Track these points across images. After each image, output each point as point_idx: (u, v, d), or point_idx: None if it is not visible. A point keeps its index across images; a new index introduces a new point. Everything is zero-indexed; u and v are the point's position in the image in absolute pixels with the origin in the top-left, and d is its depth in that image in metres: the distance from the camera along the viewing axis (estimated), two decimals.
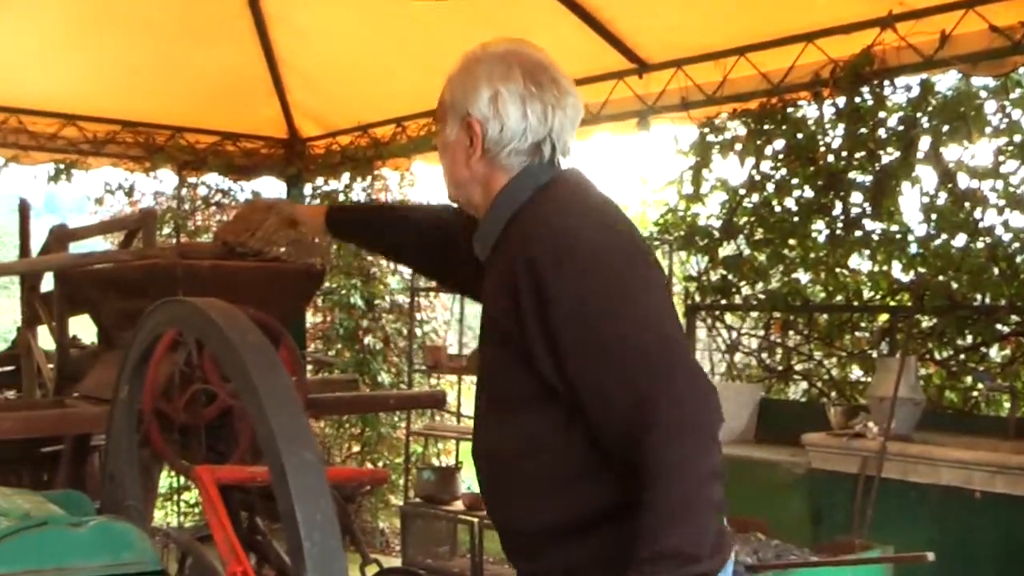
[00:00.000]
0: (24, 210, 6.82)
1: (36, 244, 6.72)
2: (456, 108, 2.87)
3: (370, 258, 10.99)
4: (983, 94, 6.73)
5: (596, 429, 2.54)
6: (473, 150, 2.85)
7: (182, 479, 8.63)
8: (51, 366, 6.34)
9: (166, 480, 8.68)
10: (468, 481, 9.73)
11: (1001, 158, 6.66)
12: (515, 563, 2.86)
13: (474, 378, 9.41)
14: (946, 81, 6.89)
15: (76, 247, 6.28)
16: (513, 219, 2.80)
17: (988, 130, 6.70)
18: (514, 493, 2.77)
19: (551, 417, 2.65)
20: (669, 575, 2.32)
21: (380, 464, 10.79)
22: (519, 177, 2.84)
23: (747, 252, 7.76)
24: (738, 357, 8.05)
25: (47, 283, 6.38)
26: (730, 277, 7.85)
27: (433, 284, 10.11)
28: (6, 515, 2.91)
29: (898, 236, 6.96)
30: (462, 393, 10.64)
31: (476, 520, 8.54)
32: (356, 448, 11.05)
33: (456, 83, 2.89)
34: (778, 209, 7.55)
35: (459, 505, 8.93)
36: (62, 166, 9.95)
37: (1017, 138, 6.61)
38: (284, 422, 2.47)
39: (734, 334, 8.06)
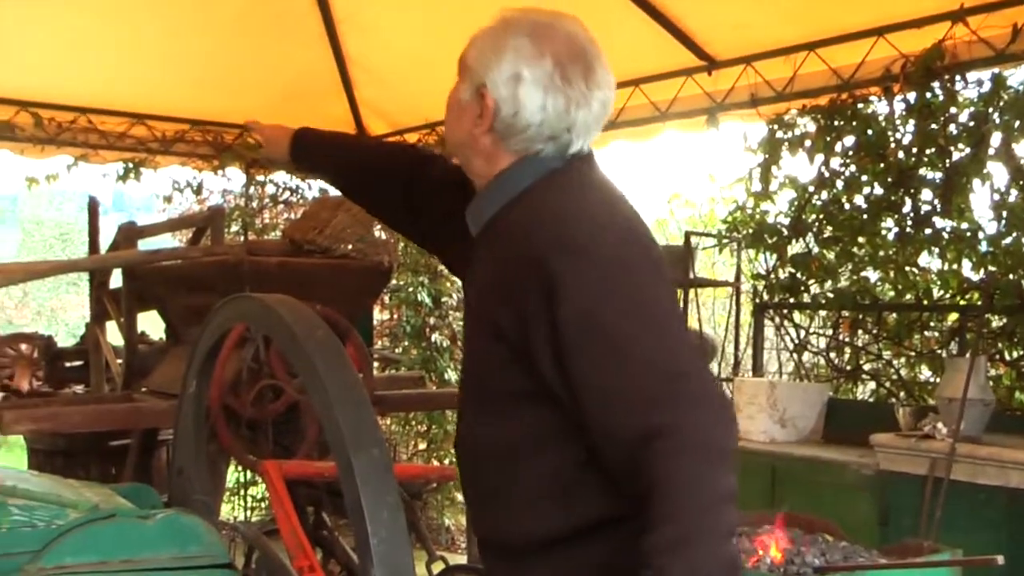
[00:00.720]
0: (93, 208, 6.88)
1: (105, 241, 6.78)
2: (473, 74, 2.67)
3: None
4: None
5: (597, 436, 2.36)
6: (482, 122, 2.65)
7: (248, 473, 8.71)
8: (119, 361, 6.40)
9: (232, 475, 8.72)
10: None
11: None
12: (493, 573, 2.70)
13: None
14: (1018, 75, 6.82)
15: (144, 244, 6.32)
16: (514, 203, 2.63)
17: None
18: (499, 498, 2.57)
19: (544, 420, 2.48)
20: None
21: (446, 461, 10.79)
22: (527, 161, 2.66)
23: (816, 250, 7.68)
24: (806, 356, 7.97)
25: (116, 280, 6.44)
26: (798, 275, 7.78)
27: None
28: (75, 507, 2.93)
29: (968, 234, 6.87)
30: None
31: None
32: (422, 445, 11.06)
33: (481, 46, 2.69)
34: (847, 207, 7.47)
35: None
36: (131, 165, 10.03)
37: None
38: (352, 419, 2.47)
39: (802, 333, 7.99)
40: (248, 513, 10.15)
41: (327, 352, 2.63)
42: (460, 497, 10.31)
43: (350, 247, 5.38)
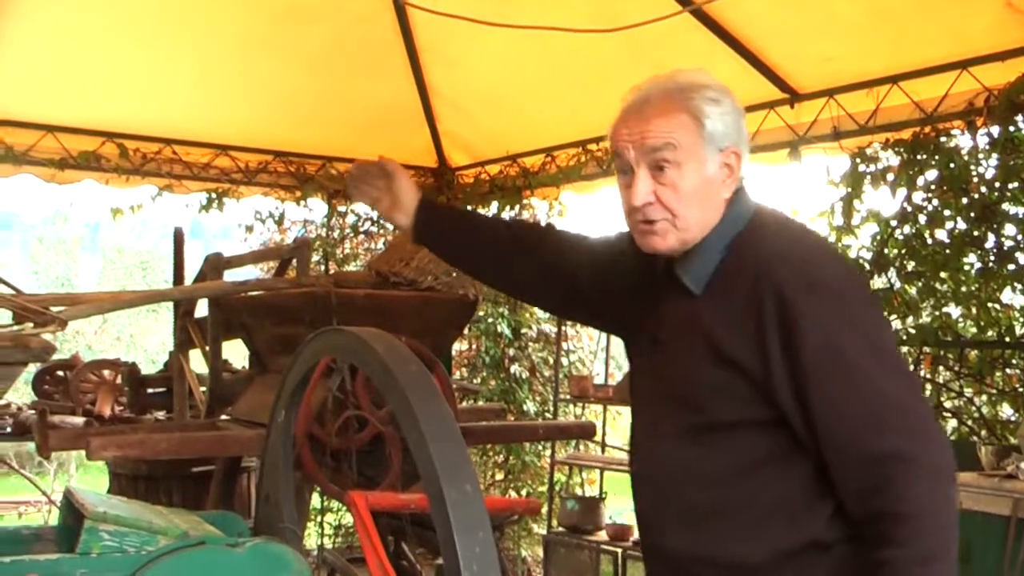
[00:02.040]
0: (179, 238, 6.96)
1: (188, 270, 6.86)
2: (717, 139, 2.77)
3: None
4: None
5: (832, 460, 2.57)
6: (732, 182, 2.82)
7: (326, 500, 8.74)
8: (202, 389, 6.46)
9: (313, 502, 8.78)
10: (611, 511, 9.71)
11: None
12: None
13: (621, 408, 9.30)
14: None
15: (230, 274, 6.39)
16: (733, 247, 2.79)
17: None
18: (724, 518, 2.72)
19: (772, 444, 2.68)
20: None
21: (524, 492, 10.81)
22: (737, 205, 2.84)
23: (898, 285, 7.63)
24: None
25: (201, 309, 6.51)
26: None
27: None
28: (165, 534, 2.97)
29: None
30: (607, 423, 10.62)
31: (620, 551, 8.54)
32: (500, 476, 11.07)
33: (713, 110, 2.77)
34: (930, 241, 7.42)
35: (603, 535, 8.92)
36: (214, 195, 10.12)
37: None
38: (445, 453, 2.49)
39: None
40: (326, 539, 10.20)
41: (420, 387, 2.67)
42: (537, 529, 10.32)
43: (436, 279, 5.41)
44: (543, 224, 3.38)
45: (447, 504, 2.40)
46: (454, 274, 5.35)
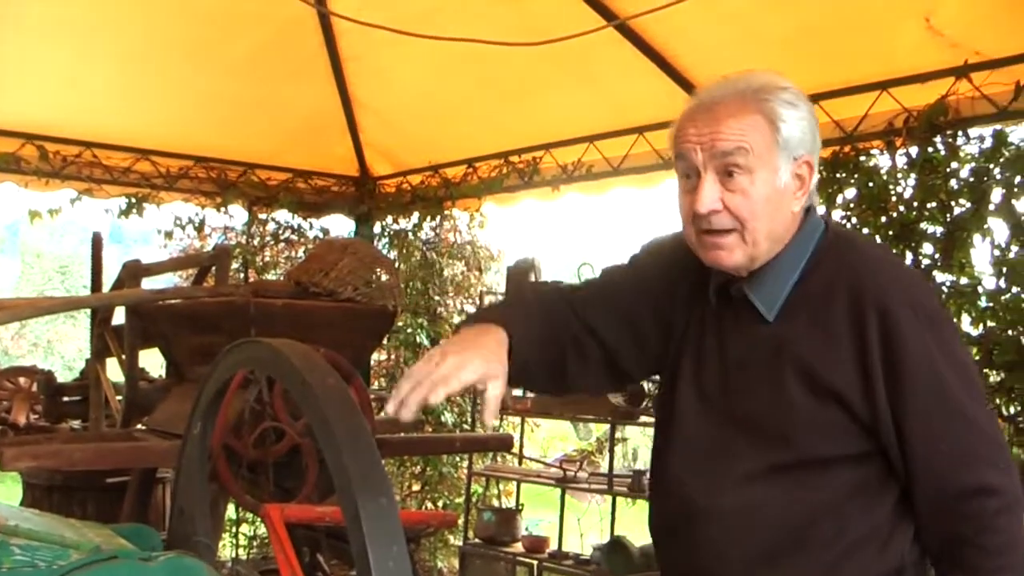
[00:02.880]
0: (97, 244, 6.90)
1: (107, 276, 6.80)
2: (792, 146, 2.64)
3: (436, 296, 11.03)
4: None
5: (923, 489, 2.58)
6: (803, 193, 2.69)
7: (241, 511, 8.69)
8: (119, 398, 6.40)
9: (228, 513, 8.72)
10: (527, 523, 9.73)
11: None
12: None
13: (539, 420, 9.29)
14: (1020, 132, 6.85)
15: (148, 282, 6.34)
16: (812, 267, 2.69)
17: None
18: (797, 558, 2.63)
19: (862, 477, 2.63)
20: None
21: (440, 504, 10.79)
22: (809, 221, 2.75)
23: None
24: None
25: (118, 316, 6.45)
26: None
27: None
28: (77, 548, 2.93)
29: (968, 289, 6.88)
30: (525, 435, 10.63)
31: (535, 562, 8.56)
32: (417, 487, 11.04)
33: (790, 115, 2.65)
34: None
35: (519, 547, 8.93)
36: (134, 200, 10.02)
37: None
38: (360, 465, 2.48)
39: None
40: (240, 551, 10.14)
41: (336, 399, 2.66)
42: (453, 540, 10.31)
43: (355, 290, 5.40)
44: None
45: (361, 516, 2.39)
46: (373, 285, 5.35)
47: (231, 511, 9.17)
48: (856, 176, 7.35)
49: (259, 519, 9.50)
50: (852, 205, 7.40)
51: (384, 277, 5.49)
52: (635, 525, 9.22)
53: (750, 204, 2.61)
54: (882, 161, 7.28)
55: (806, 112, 2.69)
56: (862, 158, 7.32)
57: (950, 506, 2.53)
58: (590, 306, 2.97)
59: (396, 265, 10.82)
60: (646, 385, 8.42)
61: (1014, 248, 6.71)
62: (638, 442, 16.21)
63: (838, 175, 7.42)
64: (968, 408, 2.55)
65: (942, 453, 2.53)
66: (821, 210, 2.76)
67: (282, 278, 8.49)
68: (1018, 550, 2.52)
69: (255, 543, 10.45)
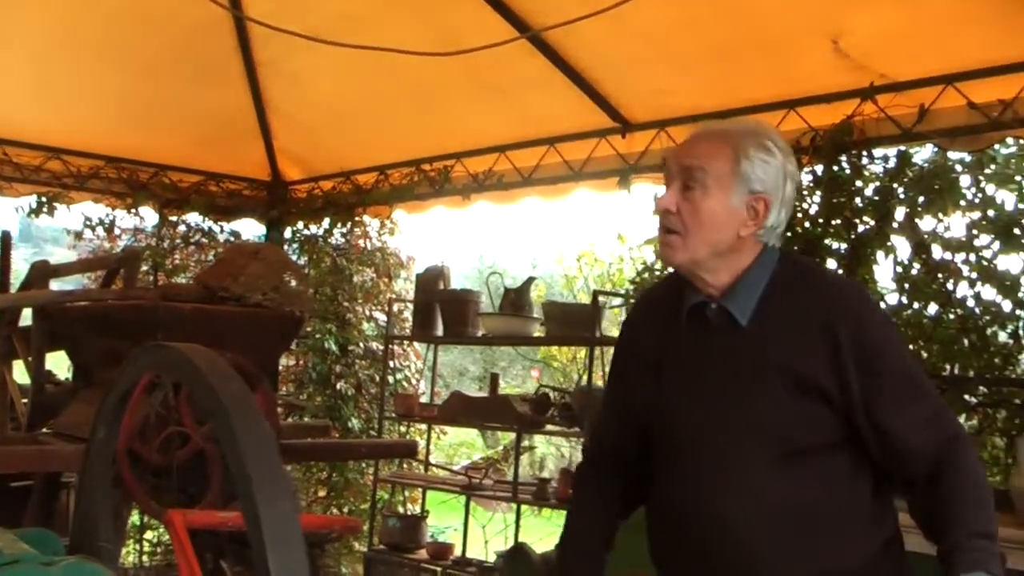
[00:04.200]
0: (5, 243, 6.83)
1: (14, 276, 6.73)
2: (750, 182, 3.01)
3: (346, 303, 11.03)
4: (959, 168, 6.81)
5: (907, 458, 2.96)
6: (753, 225, 3.04)
7: (146, 517, 8.63)
8: (24, 400, 6.34)
9: (131, 519, 8.65)
10: (432, 529, 9.75)
11: (975, 231, 6.74)
12: None
13: (446, 427, 9.32)
14: (923, 154, 6.98)
15: (57, 283, 6.29)
16: (775, 283, 3.05)
17: (963, 203, 6.78)
18: (822, 535, 2.97)
19: (842, 464, 3.00)
20: (989, 552, 2.75)
21: (346, 510, 10.76)
22: (766, 251, 3.09)
23: None
24: None
25: (25, 318, 6.39)
26: None
27: (407, 332, 10.16)
28: None
29: None
30: (431, 442, 10.64)
31: (439, 569, 8.57)
32: (323, 493, 11.02)
33: (757, 156, 3.03)
34: None
35: (423, 554, 8.95)
36: (44, 199, 9.92)
37: (991, 212, 6.69)
38: (261, 471, 2.50)
39: None
40: (144, 558, 10.06)
41: (239, 404, 2.68)
42: (358, 546, 10.30)
43: (264, 295, 5.40)
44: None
45: (261, 521, 2.41)
46: (281, 290, 5.35)
47: (137, 517, 9.10)
48: None
49: (163, 525, 9.44)
50: None
51: (293, 283, 5.50)
52: (540, 533, 9.27)
53: (695, 213, 3.01)
54: None
55: (778, 162, 3.05)
56: None
57: (930, 462, 2.92)
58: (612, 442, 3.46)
59: (306, 271, 10.82)
60: (551, 394, 8.49)
61: (916, 265, 6.84)
62: (545, 451, 16.24)
63: None
64: (928, 389, 3.04)
65: (921, 425, 2.95)
66: None
67: (192, 282, 8.45)
68: (985, 484, 2.95)
69: (160, 550, 10.38)
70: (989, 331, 6.66)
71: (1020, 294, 6.62)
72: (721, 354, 3.06)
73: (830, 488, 2.97)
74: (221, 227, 11.17)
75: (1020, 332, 6.61)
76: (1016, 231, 6.61)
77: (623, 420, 3.37)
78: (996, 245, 6.69)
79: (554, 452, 15.92)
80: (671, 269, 3.27)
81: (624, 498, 3.42)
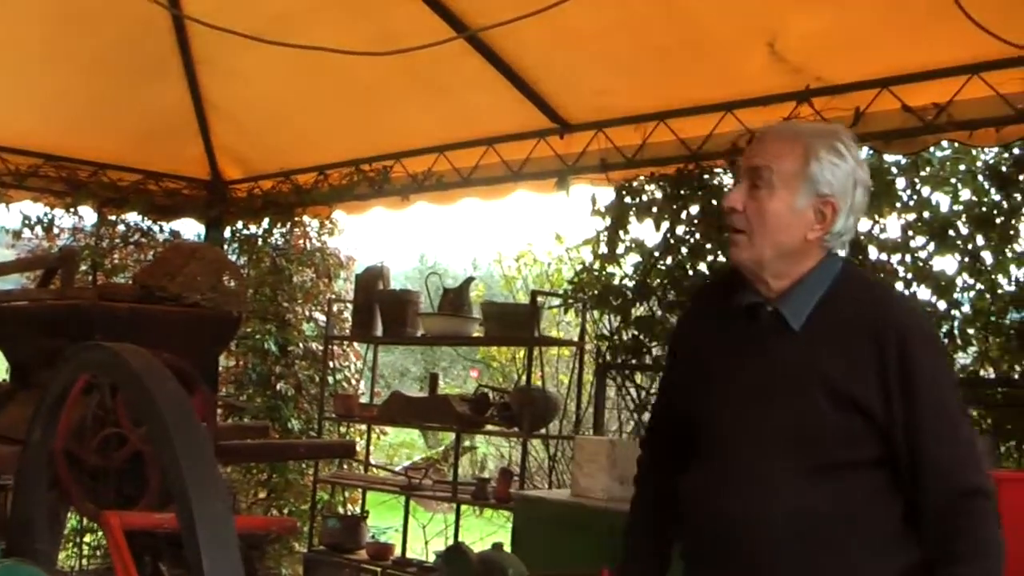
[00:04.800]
0: None
1: None
2: (818, 184, 2.99)
3: (286, 303, 11.00)
4: (894, 170, 6.89)
5: (929, 490, 2.90)
6: (820, 229, 3.03)
7: (85, 520, 8.57)
8: None
9: (68, 521, 8.61)
10: (373, 530, 9.75)
11: (910, 233, 6.81)
12: None
13: (385, 428, 9.32)
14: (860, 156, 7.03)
15: None
16: (833, 292, 3.04)
17: (898, 205, 6.85)
18: (847, 552, 2.94)
19: (876, 483, 2.97)
20: None
21: (286, 511, 10.71)
22: (830, 258, 3.09)
23: (659, 313, 7.83)
24: (646, 416, 8.06)
25: None
26: (642, 337, 7.92)
27: (347, 332, 10.15)
28: None
29: None
30: (371, 442, 10.63)
31: (379, 569, 8.57)
32: (263, 494, 10.98)
33: (827, 158, 3.00)
34: (691, 273, 7.63)
35: (363, 554, 8.95)
36: None
37: (926, 214, 6.77)
38: (196, 472, 2.51)
39: (643, 394, 8.09)
40: (83, 561, 10.01)
41: (175, 406, 2.68)
42: (298, 547, 10.28)
43: (201, 295, 5.39)
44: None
45: (196, 522, 2.42)
46: (219, 290, 5.35)
47: (76, 520, 9.06)
48: (700, 193, 7.51)
49: (100, 527, 9.39)
50: (696, 221, 7.55)
51: (230, 282, 5.49)
52: (480, 533, 9.29)
53: (761, 213, 3.00)
54: (726, 179, 7.45)
55: (848, 166, 3.02)
56: (706, 176, 7.49)
57: (956, 503, 2.87)
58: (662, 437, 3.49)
59: (246, 271, 10.78)
60: (491, 394, 8.51)
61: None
62: (486, 451, 16.24)
63: (682, 191, 7.58)
64: (960, 422, 2.99)
65: (947, 456, 2.90)
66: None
67: (130, 282, 8.41)
68: (1000, 547, 2.86)
69: (99, 553, 10.33)
70: None
71: (955, 294, 6.70)
72: (768, 356, 3.05)
73: (853, 506, 2.94)
74: (161, 227, 11.10)
75: (955, 332, 6.68)
76: (951, 232, 6.69)
77: (670, 408, 3.42)
78: (931, 246, 6.77)
79: (494, 452, 15.91)
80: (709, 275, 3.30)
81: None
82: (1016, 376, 6.57)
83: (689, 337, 3.37)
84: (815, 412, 2.93)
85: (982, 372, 6.74)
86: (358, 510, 10.02)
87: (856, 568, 2.93)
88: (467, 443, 14.95)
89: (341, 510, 10.45)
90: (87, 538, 10.10)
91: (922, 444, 2.89)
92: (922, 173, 6.86)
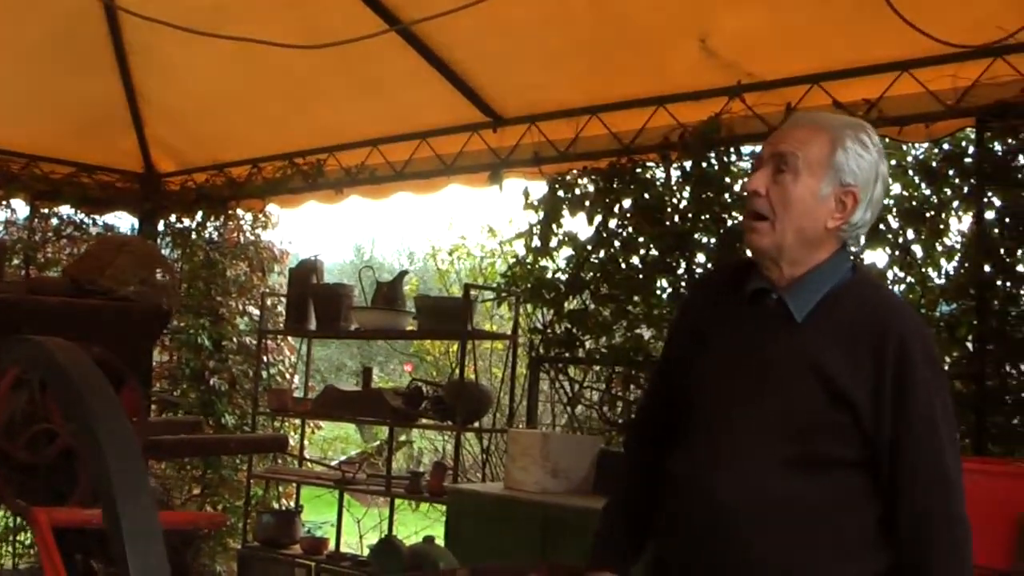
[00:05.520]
0: None
1: None
2: (842, 173, 3.00)
3: (219, 298, 10.95)
4: None
5: (903, 504, 2.92)
6: (839, 218, 3.01)
7: (19, 519, 8.51)
8: None
9: (0, 520, 8.56)
10: (308, 525, 9.73)
11: None
12: None
13: (319, 423, 9.28)
14: None
15: None
16: (841, 288, 3.04)
17: None
18: (819, 547, 2.94)
19: (858, 484, 2.96)
20: None
21: (220, 507, 10.66)
22: (843, 252, 3.09)
23: (592, 307, 7.86)
24: (579, 409, 8.09)
25: None
26: (575, 331, 7.94)
27: (281, 326, 10.11)
28: None
29: None
30: (305, 437, 10.59)
31: (313, 564, 8.56)
32: (197, 491, 10.91)
33: (853, 148, 3.01)
34: (624, 266, 7.66)
35: (297, 549, 8.93)
36: None
37: None
38: (120, 467, 2.50)
39: (576, 387, 8.11)
40: (17, 560, 9.93)
41: (100, 400, 2.67)
42: (233, 543, 10.25)
43: (132, 289, 5.35)
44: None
45: (120, 517, 2.42)
46: (149, 283, 5.31)
47: (10, 519, 8.98)
48: (633, 187, 7.54)
49: (28, 524, 9.29)
50: (629, 214, 7.58)
51: (161, 276, 5.46)
52: (415, 527, 9.30)
53: (785, 198, 3.00)
54: (658, 173, 7.49)
55: (873, 157, 3.04)
56: (639, 170, 7.52)
57: (931, 529, 2.90)
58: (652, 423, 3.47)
59: (179, 265, 10.73)
60: (424, 387, 8.51)
61: None
62: (421, 445, 16.24)
63: (615, 185, 7.61)
64: (945, 448, 2.95)
65: (928, 473, 2.91)
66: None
67: (60, 275, 8.35)
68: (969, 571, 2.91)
69: (33, 551, 10.25)
70: None
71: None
72: (768, 344, 3.05)
73: (834, 503, 2.95)
74: (94, 220, 11.02)
75: None
76: (881, 227, 6.74)
77: (663, 389, 3.40)
78: (862, 240, 6.81)
79: (429, 446, 15.91)
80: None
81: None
82: (946, 368, 6.65)
83: (690, 321, 3.36)
84: (807, 403, 2.95)
85: None
86: (293, 505, 10.00)
87: (828, 567, 2.95)
88: (403, 437, 14.94)
89: (276, 505, 10.42)
90: (21, 536, 10.02)
91: (903, 461, 2.91)
92: None
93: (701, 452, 3.07)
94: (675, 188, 7.40)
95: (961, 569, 2.89)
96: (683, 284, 7.36)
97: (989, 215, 6.31)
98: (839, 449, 2.94)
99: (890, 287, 3.42)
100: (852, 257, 3.16)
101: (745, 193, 3.10)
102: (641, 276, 7.57)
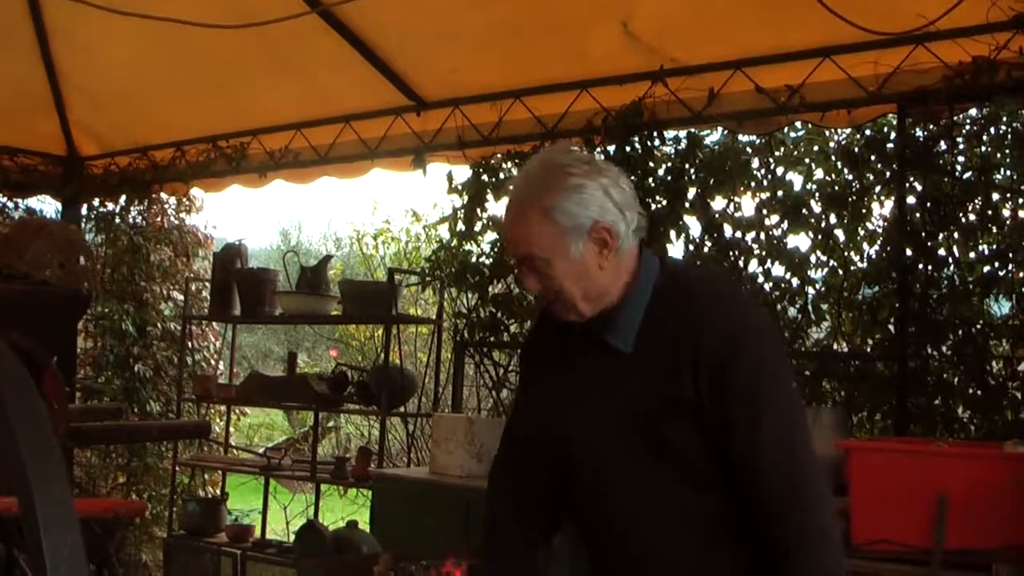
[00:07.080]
0: None
1: None
2: (577, 224, 2.90)
3: (143, 283, 10.85)
4: (749, 151, 7.00)
5: (751, 492, 2.92)
6: (608, 253, 2.94)
7: None
8: None
9: None
10: (235, 513, 9.68)
11: (764, 212, 6.93)
12: None
13: (247, 408, 9.25)
14: (714, 136, 7.15)
15: None
16: (655, 301, 3.02)
17: (752, 185, 6.97)
18: (702, 549, 3.01)
19: (710, 476, 2.97)
20: None
21: (146, 495, 10.57)
22: (645, 254, 3.06)
23: (517, 291, 7.87)
24: (504, 393, 8.11)
25: None
26: (499, 315, 7.96)
27: (206, 312, 10.04)
28: None
29: None
30: (231, 423, 10.53)
31: (239, 552, 8.52)
32: (122, 479, 10.83)
33: (565, 202, 2.89)
34: None
35: (223, 537, 8.89)
36: None
37: (780, 193, 6.89)
38: (34, 453, 2.47)
39: (501, 371, 8.14)
40: None
41: (13, 385, 2.63)
42: (158, 532, 10.18)
43: (51, 273, 5.31)
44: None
45: (35, 505, 2.38)
46: (68, 267, 5.27)
47: None
48: None
49: None
50: None
51: (81, 260, 5.42)
52: (341, 512, 9.28)
53: (555, 283, 2.96)
54: None
55: (589, 187, 2.91)
56: None
57: (786, 522, 2.89)
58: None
59: (103, 250, 10.64)
60: (349, 372, 8.49)
61: (708, 244, 7.02)
62: (348, 431, 16.22)
63: None
64: (795, 434, 2.96)
65: (782, 474, 2.91)
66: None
67: None
68: (832, 550, 2.93)
69: None
70: (779, 307, 6.86)
71: (808, 271, 6.84)
72: (611, 379, 3.04)
73: (699, 499, 2.99)
74: (16, 204, 10.90)
75: (809, 307, 6.83)
76: (804, 211, 6.81)
77: (525, 436, 3.35)
78: (785, 224, 6.91)
79: (355, 431, 15.90)
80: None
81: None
82: (868, 350, 6.71)
83: (536, 365, 3.39)
84: (658, 426, 2.97)
85: (835, 346, 6.90)
86: (219, 492, 9.94)
87: (716, 555, 3.01)
88: (331, 423, 14.91)
89: (202, 493, 10.37)
90: None
91: (738, 450, 2.93)
92: (776, 153, 7.01)
93: (592, 492, 3.12)
94: None
95: (820, 538, 2.90)
96: None
97: (910, 200, 6.40)
98: (695, 455, 2.96)
99: (697, 265, 3.32)
100: (659, 258, 3.12)
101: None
102: None
